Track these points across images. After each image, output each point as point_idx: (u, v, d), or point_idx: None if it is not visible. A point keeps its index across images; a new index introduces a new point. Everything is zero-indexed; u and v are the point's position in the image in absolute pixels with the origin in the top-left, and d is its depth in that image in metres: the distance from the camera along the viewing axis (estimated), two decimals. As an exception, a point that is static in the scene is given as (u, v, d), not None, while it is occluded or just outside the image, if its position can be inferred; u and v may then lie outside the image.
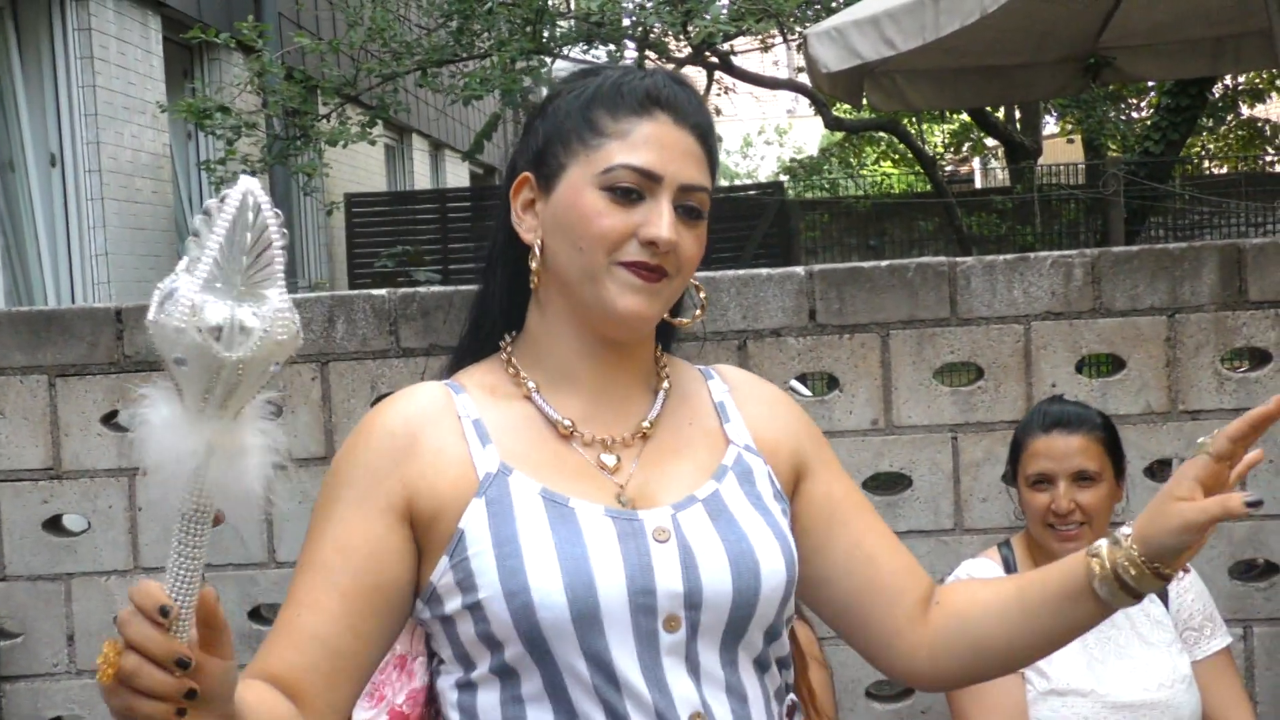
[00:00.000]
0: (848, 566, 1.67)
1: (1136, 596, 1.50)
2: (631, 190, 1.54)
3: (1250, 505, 1.43)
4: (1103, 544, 1.51)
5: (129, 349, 3.44)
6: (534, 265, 1.60)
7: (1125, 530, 1.51)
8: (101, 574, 3.48)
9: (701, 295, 1.68)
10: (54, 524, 3.52)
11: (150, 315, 1.21)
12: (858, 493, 1.75)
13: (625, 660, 1.48)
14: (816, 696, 2.11)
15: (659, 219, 1.53)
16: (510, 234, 1.63)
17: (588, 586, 1.47)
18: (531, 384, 1.61)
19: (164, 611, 1.20)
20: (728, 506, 1.57)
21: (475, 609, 1.49)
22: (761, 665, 1.58)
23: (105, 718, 3.71)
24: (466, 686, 1.54)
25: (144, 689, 1.21)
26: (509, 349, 1.65)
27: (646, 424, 1.62)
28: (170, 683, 1.21)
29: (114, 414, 3.48)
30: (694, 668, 1.51)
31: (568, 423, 1.59)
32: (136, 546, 3.47)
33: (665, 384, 1.67)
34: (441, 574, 1.52)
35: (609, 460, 1.59)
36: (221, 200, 1.21)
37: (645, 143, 1.55)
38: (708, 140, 1.61)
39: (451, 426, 1.57)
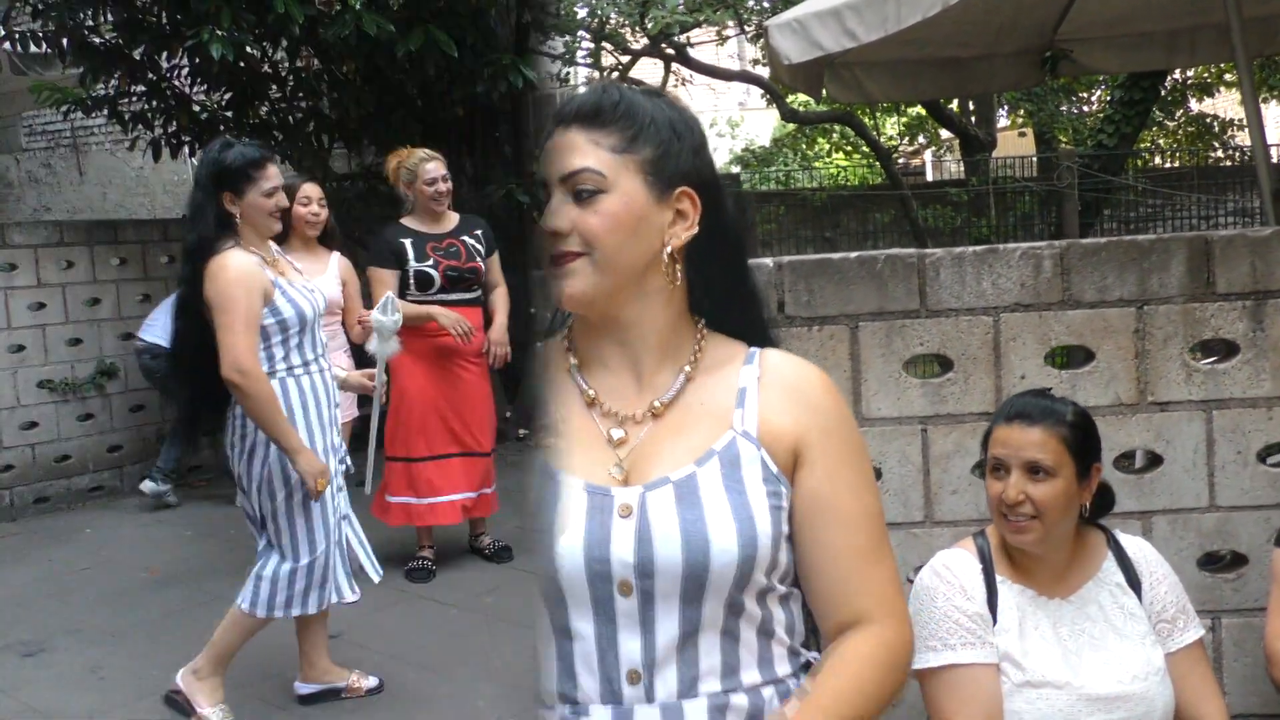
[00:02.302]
0: (805, 561, 1.80)
1: None
2: (548, 202, 1.77)
3: None
4: None
5: None
6: None
7: None
8: None
9: None
10: None
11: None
12: (848, 502, 1.80)
13: (581, 619, 1.70)
14: None
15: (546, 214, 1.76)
16: None
17: (550, 551, 1.70)
18: (574, 360, 1.85)
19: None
20: (698, 490, 1.72)
21: None
22: (730, 632, 1.72)
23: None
24: None
25: None
26: (569, 326, 1.89)
27: (658, 403, 1.80)
28: None
29: None
30: (648, 629, 1.69)
31: (592, 393, 1.81)
32: None
33: (688, 367, 1.82)
34: None
35: (617, 434, 1.79)
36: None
37: (543, 161, 1.78)
38: (595, 120, 1.75)
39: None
